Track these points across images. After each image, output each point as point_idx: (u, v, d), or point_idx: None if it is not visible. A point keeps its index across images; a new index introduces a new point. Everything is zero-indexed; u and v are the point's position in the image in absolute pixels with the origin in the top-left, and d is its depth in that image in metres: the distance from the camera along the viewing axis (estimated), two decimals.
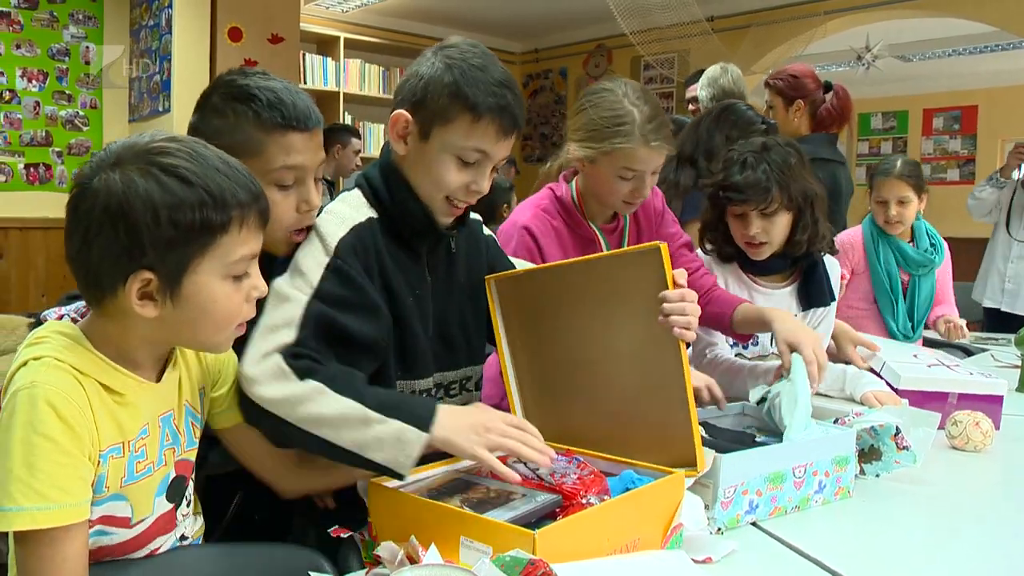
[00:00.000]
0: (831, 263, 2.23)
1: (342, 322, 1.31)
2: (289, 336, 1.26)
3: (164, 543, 1.21)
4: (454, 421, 1.23)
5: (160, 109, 4.37)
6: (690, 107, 4.07)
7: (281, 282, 1.32)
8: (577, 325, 1.49)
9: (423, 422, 1.21)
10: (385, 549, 1.17)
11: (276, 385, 1.24)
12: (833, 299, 2.24)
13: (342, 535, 1.27)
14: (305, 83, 6.03)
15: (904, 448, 1.60)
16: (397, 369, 1.44)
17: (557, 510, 1.23)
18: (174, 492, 1.22)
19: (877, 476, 1.62)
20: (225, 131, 1.36)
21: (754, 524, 1.40)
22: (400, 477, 1.23)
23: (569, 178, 2.04)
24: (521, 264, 1.71)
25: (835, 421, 1.68)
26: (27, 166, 4.62)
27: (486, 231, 1.64)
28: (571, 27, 7.52)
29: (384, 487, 1.23)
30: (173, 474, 1.21)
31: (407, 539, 1.14)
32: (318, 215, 1.42)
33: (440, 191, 1.40)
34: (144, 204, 1.03)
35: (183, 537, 1.26)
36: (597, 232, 2.02)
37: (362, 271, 1.35)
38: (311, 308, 1.29)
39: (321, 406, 1.22)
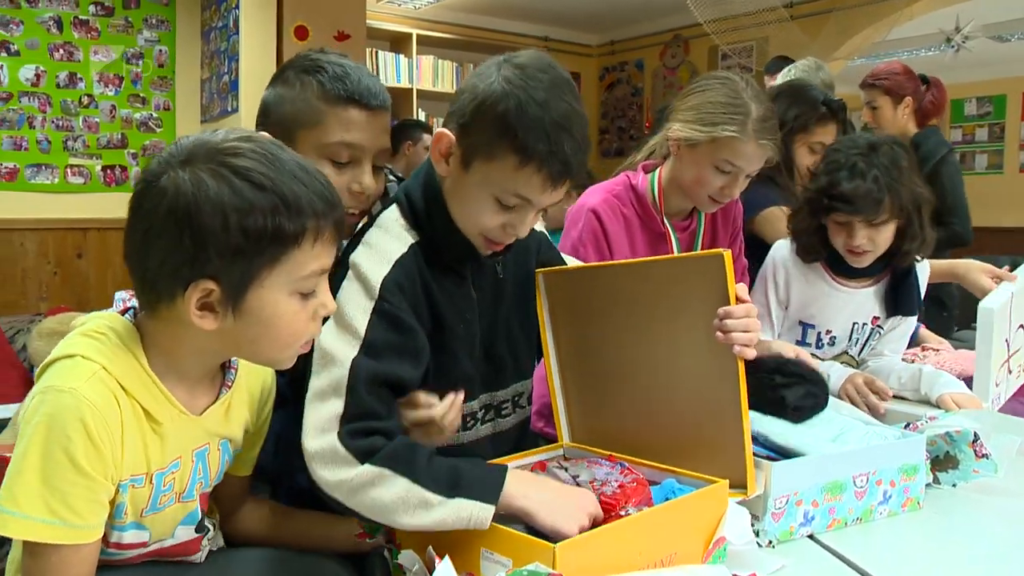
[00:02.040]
0: (921, 268, 2.06)
1: (395, 373, 1.20)
2: (339, 405, 1.15)
3: (183, 559, 1.19)
4: (537, 493, 1.11)
5: (229, 109, 4.42)
6: None
7: (326, 336, 1.19)
8: (628, 328, 1.39)
9: (489, 496, 1.08)
10: (406, 558, 1.13)
11: (333, 468, 1.12)
12: (921, 306, 2.08)
13: (367, 538, 1.23)
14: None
15: (983, 456, 1.47)
16: (440, 395, 1.33)
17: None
18: (202, 525, 1.19)
19: (953, 486, 1.49)
20: (288, 99, 1.37)
21: (811, 537, 1.29)
22: None
23: (649, 169, 1.97)
24: (572, 262, 1.62)
25: (906, 425, 1.55)
26: (104, 168, 4.74)
27: (537, 226, 1.51)
28: (647, 18, 7.37)
29: None
30: (203, 509, 1.17)
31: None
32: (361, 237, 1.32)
33: (475, 228, 1.28)
34: (214, 208, 0.95)
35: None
36: (669, 228, 1.94)
37: (410, 309, 1.24)
38: (358, 367, 1.17)
39: (380, 492, 1.10)
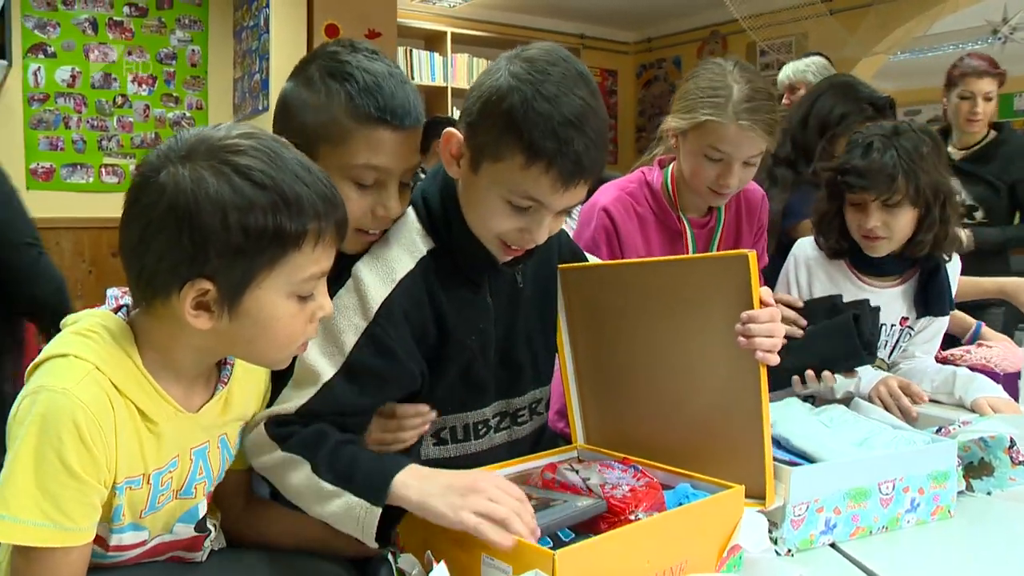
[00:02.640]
0: (952, 267, 1.98)
1: (363, 403, 1.20)
2: (287, 412, 1.16)
3: (185, 556, 1.16)
4: (427, 484, 1.05)
5: (260, 108, 4.44)
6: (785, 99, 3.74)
7: (312, 349, 1.17)
8: (647, 328, 1.33)
9: (375, 494, 1.06)
10: (406, 561, 1.10)
11: (259, 455, 1.17)
12: (953, 307, 2.00)
13: None
14: (413, 79, 6.01)
15: (1020, 463, 1.41)
16: (449, 405, 1.33)
17: (603, 524, 1.11)
18: (203, 525, 1.16)
19: (988, 494, 1.43)
20: (311, 107, 1.23)
21: (832, 546, 1.24)
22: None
23: (664, 163, 1.90)
24: (592, 259, 1.57)
25: (938, 430, 1.49)
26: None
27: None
28: (684, 14, 7.30)
29: None
30: (205, 508, 1.15)
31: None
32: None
33: (489, 232, 1.21)
34: (214, 206, 0.92)
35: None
36: (686, 224, 1.87)
37: (404, 337, 1.20)
38: (330, 389, 1.17)
39: (291, 477, 1.13)
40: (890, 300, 1.95)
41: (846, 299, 1.86)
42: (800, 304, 1.77)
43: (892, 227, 1.83)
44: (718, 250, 1.92)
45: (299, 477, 1.12)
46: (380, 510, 1.05)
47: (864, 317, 1.66)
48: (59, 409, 0.92)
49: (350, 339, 1.18)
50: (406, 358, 1.21)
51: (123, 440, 0.99)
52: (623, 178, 1.92)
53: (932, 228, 1.85)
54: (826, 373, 1.65)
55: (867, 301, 1.70)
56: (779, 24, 5.37)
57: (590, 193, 1.90)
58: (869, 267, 1.95)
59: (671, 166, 1.88)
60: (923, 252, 1.89)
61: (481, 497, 1.00)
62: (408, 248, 1.24)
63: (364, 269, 1.22)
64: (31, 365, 1.00)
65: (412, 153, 1.28)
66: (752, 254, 1.16)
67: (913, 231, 1.86)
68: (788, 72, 3.60)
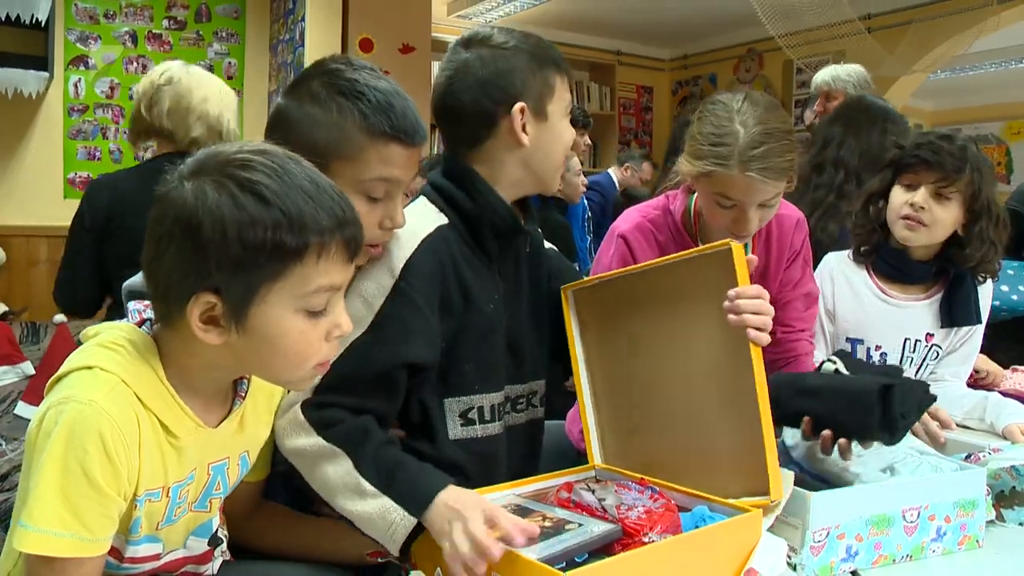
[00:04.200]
0: (983, 290, 1.94)
1: (385, 355, 1.22)
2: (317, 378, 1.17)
3: (196, 571, 1.16)
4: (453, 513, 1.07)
5: None
6: (808, 116, 3.65)
7: (346, 316, 1.19)
8: (650, 337, 1.35)
9: (416, 505, 1.09)
10: None
11: (293, 437, 1.19)
12: (981, 320, 1.95)
13: (379, 559, 1.21)
14: None
15: None
16: (475, 383, 1.34)
17: (617, 546, 1.09)
18: (215, 538, 1.17)
19: (1021, 524, 1.38)
20: (322, 124, 1.25)
21: (853, 573, 1.20)
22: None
23: (690, 190, 1.80)
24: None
25: (967, 457, 1.45)
26: None
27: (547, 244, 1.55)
28: (721, 32, 7.27)
29: None
30: (218, 522, 1.16)
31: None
32: None
33: (566, 151, 1.40)
34: (213, 219, 0.94)
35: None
36: None
37: (428, 291, 1.26)
38: (356, 347, 1.21)
39: (329, 469, 1.15)
40: (914, 314, 1.92)
41: (869, 313, 1.83)
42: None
43: (935, 216, 1.82)
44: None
45: (337, 470, 1.14)
46: (416, 521, 1.08)
47: (898, 392, 1.30)
48: (86, 421, 0.93)
49: (379, 300, 1.24)
50: (429, 313, 1.26)
51: (146, 453, 0.99)
52: (646, 203, 1.86)
53: (981, 241, 1.83)
54: (842, 442, 1.37)
55: (914, 381, 1.44)
56: (816, 42, 5.31)
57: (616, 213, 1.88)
58: (894, 274, 1.93)
59: (696, 195, 1.78)
60: (967, 265, 1.87)
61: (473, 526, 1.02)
62: (424, 219, 1.33)
63: (389, 241, 1.30)
64: (53, 377, 1.00)
65: (416, 164, 1.34)
66: (737, 245, 1.22)
67: (959, 238, 1.85)
68: (826, 78, 3.46)
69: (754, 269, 1.80)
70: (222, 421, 1.11)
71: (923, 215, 1.83)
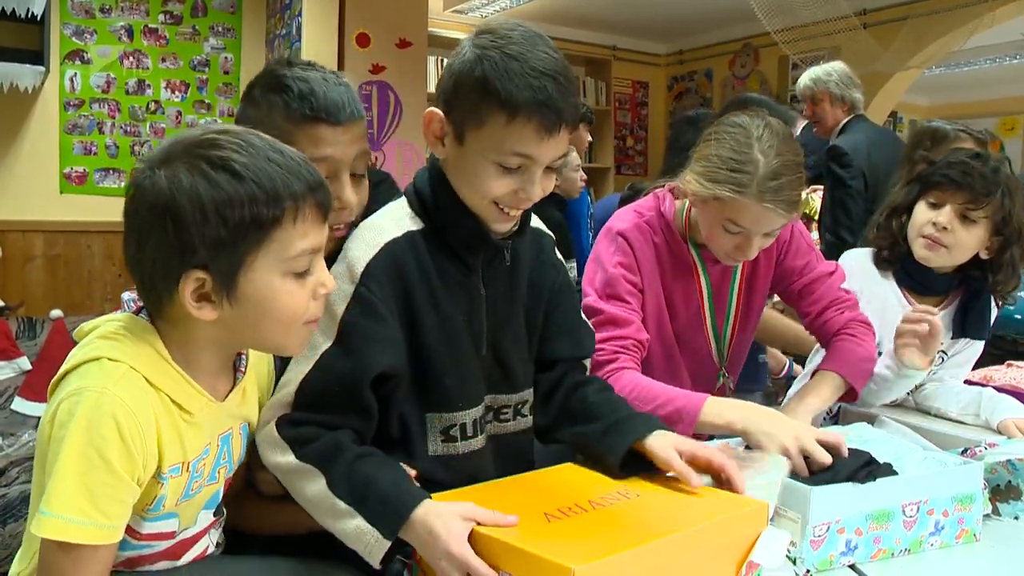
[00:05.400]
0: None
1: (352, 366, 1.20)
2: (289, 396, 1.19)
3: (197, 550, 1.18)
4: (431, 537, 1.05)
5: None
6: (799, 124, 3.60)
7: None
8: None
9: (388, 527, 1.08)
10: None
11: (270, 453, 1.19)
12: (987, 337, 1.95)
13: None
14: None
15: None
16: (458, 400, 1.30)
17: None
18: (220, 509, 1.21)
19: (1016, 518, 1.40)
20: (258, 122, 1.32)
21: (852, 567, 1.22)
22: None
23: (678, 195, 1.78)
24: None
25: (963, 451, 1.47)
26: None
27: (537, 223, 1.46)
28: (716, 27, 7.26)
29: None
30: (223, 491, 1.19)
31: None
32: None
33: (484, 199, 1.24)
34: (191, 201, 0.98)
35: (218, 544, 1.24)
36: (696, 260, 1.77)
37: (389, 298, 1.23)
38: (324, 358, 1.20)
39: (304, 487, 1.15)
40: None
41: (890, 323, 1.80)
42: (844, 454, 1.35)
43: (957, 238, 1.77)
44: (738, 288, 1.83)
45: (313, 489, 1.13)
46: (389, 543, 1.07)
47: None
48: (102, 408, 0.97)
49: (341, 307, 1.21)
50: (389, 317, 1.23)
51: (165, 433, 1.04)
52: (639, 203, 1.84)
53: (1012, 269, 1.78)
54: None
55: (890, 466, 1.33)
56: (812, 38, 5.31)
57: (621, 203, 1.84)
58: (916, 284, 1.89)
59: (687, 202, 1.75)
60: (1003, 292, 1.83)
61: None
62: (396, 223, 1.28)
63: (352, 242, 1.28)
64: (58, 374, 1.03)
65: (357, 139, 1.38)
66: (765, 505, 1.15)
67: (982, 261, 1.80)
68: (808, 82, 3.47)
69: (743, 273, 1.82)
70: (228, 394, 1.15)
71: (945, 236, 1.77)
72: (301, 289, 1.06)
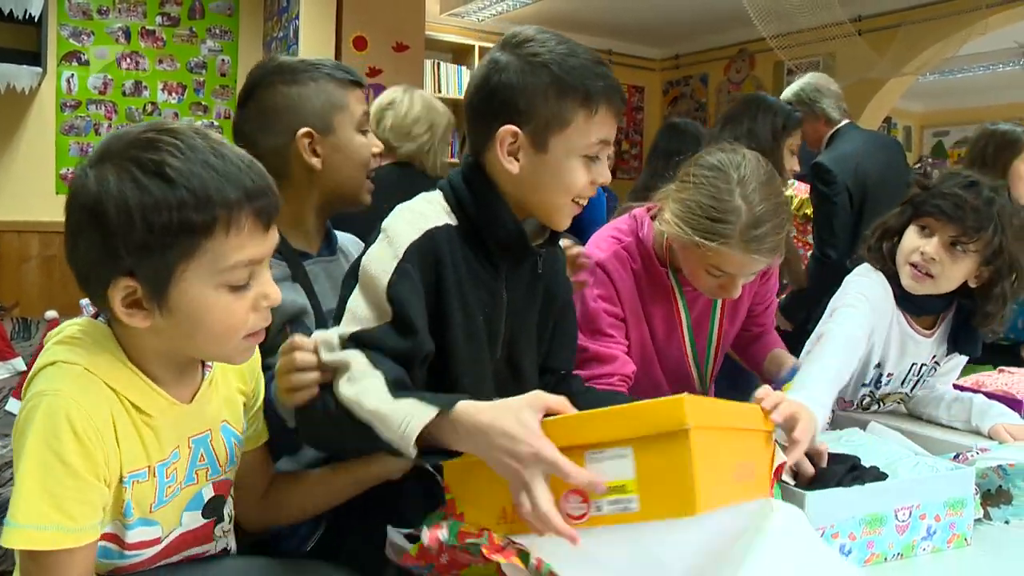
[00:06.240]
0: None
1: (414, 346, 1.18)
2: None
3: (200, 552, 1.17)
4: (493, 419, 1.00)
5: None
6: None
7: (353, 298, 1.20)
8: None
9: (439, 402, 1.03)
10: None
11: (323, 353, 1.14)
12: (979, 353, 1.94)
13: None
14: (440, 92, 6.05)
15: None
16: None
17: None
18: (211, 510, 1.17)
19: (1006, 523, 1.42)
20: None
21: None
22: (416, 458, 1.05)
23: (656, 216, 1.71)
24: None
25: (955, 456, 1.48)
26: None
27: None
28: (712, 32, 7.28)
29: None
30: (211, 493, 1.16)
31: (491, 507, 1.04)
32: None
33: (569, 195, 1.27)
34: (116, 206, 0.94)
35: (226, 550, 1.21)
36: (674, 285, 1.76)
37: (423, 285, 1.21)
38: (379, 334, 1.16)
39: (353, 375, 1.10)
40: (926, 346, 1.89)
41: (892, 343, 1.82)
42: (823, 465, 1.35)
43: (945, 270, 1.72)
44: (719, 311, 1.83)
45: (367, 375, 1.09)
46: (435, 413, 1.01)
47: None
48: (55, 410, 0.95)
49: (384, 279, 1.18)
50: (420, 304, 1.21)
51: (122, 435, 1.01)
52: (615, 226, 1.81)
53: (1002, 301, 1.75)
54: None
55: (877, 469, 1.35)
56: (807, 44, 5.34)
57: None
58: (911, 305, 1.85)
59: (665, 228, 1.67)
60: (985, 326, 1.80)
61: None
62: (436, 212, 1.28)
63: (393, 221, 1.25)
64: (25, 383, 1.02)
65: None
66: None
67: (971, 290, 1.78)
68: (788, 96, 3.36)
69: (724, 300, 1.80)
70: (196, 394, 1.12)
71: (932, 267, 1.73)
72: (238, 302, 1.01)
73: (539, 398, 1.01)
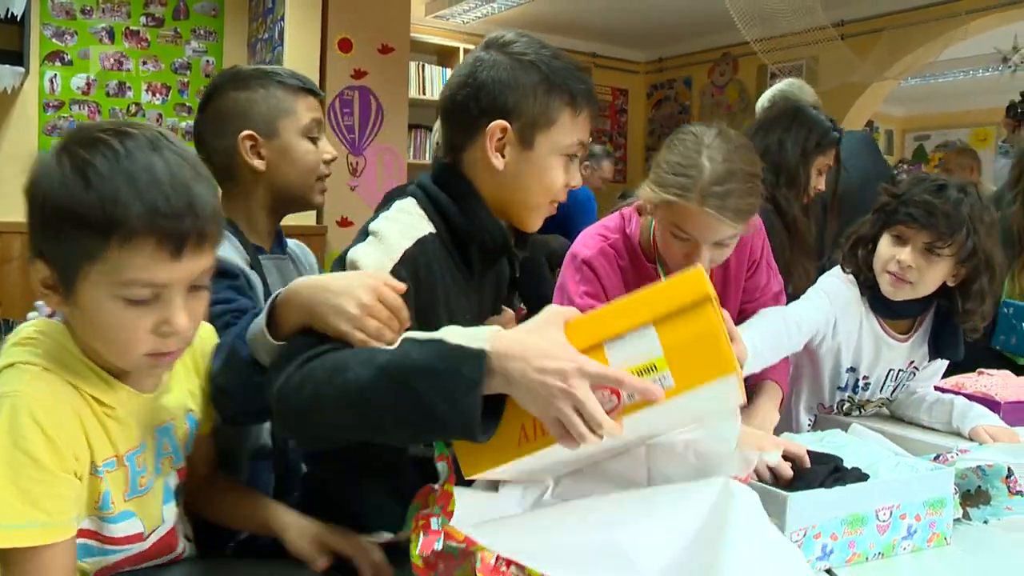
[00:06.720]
0: None
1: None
2: None
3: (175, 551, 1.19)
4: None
5: None
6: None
7: None
8: None
9: (478, 339, 0.98)
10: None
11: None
12: (961, 356, 1.94)
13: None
14: (424, 94, 6.07)
15: (1018, 493, 1.43)
16: None
17: None
18: (180, 495, 1.21)
19: (984, 522, 1.44)
20: None
21: (828, 571, 1.24)
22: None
23: (644, 211, 1.74)
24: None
25: (935, 457, 1.49)
26: None
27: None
28: (696, 35, 7.32)
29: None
30: (176, 480, 1.19)
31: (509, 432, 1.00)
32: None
33: (548, 196, 1.30)
34: (40, 190, 0.98)
35: (187, 537, 1.23)
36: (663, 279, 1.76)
37: (411, 290, 1.18)
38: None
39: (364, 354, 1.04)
40: (902, 351, 1.91)
41: (866, 347, 1.83)
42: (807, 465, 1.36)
43: (924, 275, 1.75)
44: None
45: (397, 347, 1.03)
46: (485, 348, 0.96)
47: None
48: (18, 410, 0.96)
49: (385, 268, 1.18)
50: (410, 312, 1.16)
51: (88, 428, 1.03)
52: (603, 224, 1.83)
53: (980, 299, 1.76)
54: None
55: (858, 470, 1.36)
56: (790, 48, 5.38)
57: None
58: (886, 310, 1.87)
59: (652, 220, 1.72)
60: (968, 324, 1.81)
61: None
62: (420, 220, 1.27)
63: (382, 226, 1.23)
64: None
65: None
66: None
67: (950, 289, 1.79)
68: (764, 102, 3.34)
69: (716, 281, 1.81)
70: (159, 385, 1.15)
71: (909, 273, 1.75)
72: (138, 319, 0.99)
73: (557, 313, 1.01)
